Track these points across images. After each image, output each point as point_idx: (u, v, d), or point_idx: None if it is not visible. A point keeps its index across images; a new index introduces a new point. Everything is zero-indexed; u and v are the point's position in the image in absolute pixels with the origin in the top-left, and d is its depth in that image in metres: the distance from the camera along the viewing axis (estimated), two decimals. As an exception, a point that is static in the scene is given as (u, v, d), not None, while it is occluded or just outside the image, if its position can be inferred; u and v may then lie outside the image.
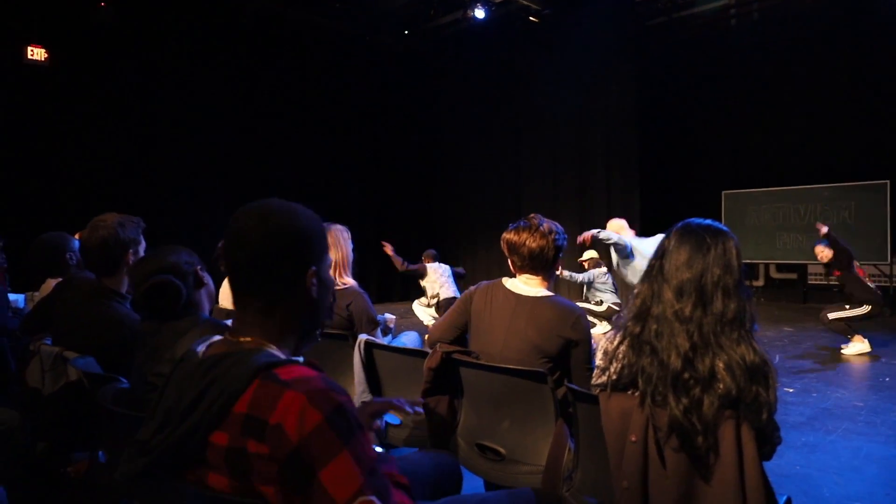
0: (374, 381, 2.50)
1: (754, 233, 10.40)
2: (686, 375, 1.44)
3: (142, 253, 2.47)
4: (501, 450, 2.02)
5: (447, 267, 7.56)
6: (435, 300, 7.30)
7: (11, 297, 4.36)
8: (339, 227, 3.03)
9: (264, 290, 1.09)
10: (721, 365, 1.44)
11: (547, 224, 2.15)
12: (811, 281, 10.09)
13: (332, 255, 2.95)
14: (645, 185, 9.64)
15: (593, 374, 1.66)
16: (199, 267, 1.87)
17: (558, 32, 10.00)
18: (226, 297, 3.85)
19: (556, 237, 2.13)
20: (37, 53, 7.43)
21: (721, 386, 1.42)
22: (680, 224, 1.64)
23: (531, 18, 10.20)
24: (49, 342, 2.44)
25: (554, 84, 10.18)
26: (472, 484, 2.20)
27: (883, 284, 9.42)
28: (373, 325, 2.81)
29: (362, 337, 2.49)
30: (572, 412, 1.79)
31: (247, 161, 9.49)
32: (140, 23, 8.22)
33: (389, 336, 3.19)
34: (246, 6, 9.17)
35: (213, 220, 8.92)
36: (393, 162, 11.59)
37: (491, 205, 11.24)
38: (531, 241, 2.10)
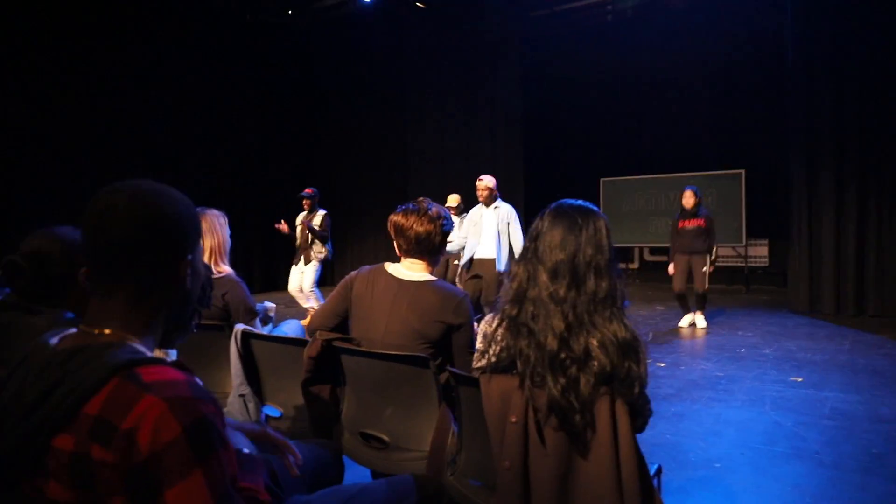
0: (252, 373, 2.38)
1: (629, 218, 11.04)
2: (563, 356, 1.46)
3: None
4: (385, 437, 1.98)
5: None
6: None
7: None
8: (214, 212, 2.85)
9: (131, 278, 0.97)
10: (595, 343, 1.47)
11: (435, 209, 2.13)
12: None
13: (209, 241, 2.78)
14: (529, 172, 9.93)
15: (474, 358, 1.65)
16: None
17: (445, 19, 10.03)
18: None
19: (444, 222, 2.11)
20: None
21: (596, 364, 1.45)
22: (552, 205, 1.66)
23: (418, 4, 10.14)
24: None
25: (439, 71, 10.22)
26: (356, 472, 2.15)
27: (738, 265, 10.35)
28: (251, 314, 2.67)
29: (238, 327, 2.36)
30: (455, 396, 1.78)
31: (125, 141, 8.76)
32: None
33: (270, 325, 3.05)
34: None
35: (76, 205, 8.21)
36: (276, 145, 11.17)
37: (377, 190, 11.15)
38: (418, 225, 2.06)
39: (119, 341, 0.94)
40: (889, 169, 7.14)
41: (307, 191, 7.29)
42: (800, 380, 4.58)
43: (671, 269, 6.84)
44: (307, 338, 2.25)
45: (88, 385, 0.86)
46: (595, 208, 1.63)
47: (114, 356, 0.89)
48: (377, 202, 11.03)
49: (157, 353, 1.53)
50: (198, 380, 0.94)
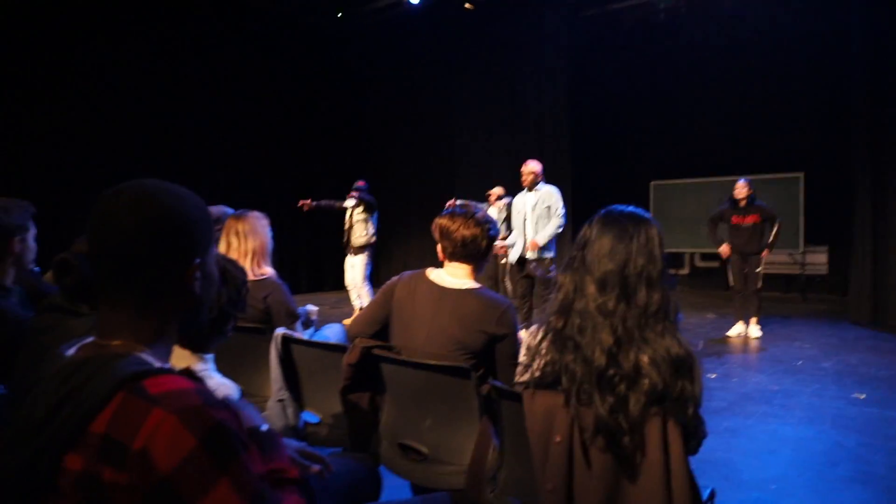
0: (292, 379, 2.36)
1: (680, 223, 10.72)
2: (611, 372, 1.38)
3: (30, 241, 2.23)
4: (424, 449, 1.93)
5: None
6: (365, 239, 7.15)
7: None
8: (256, 213, 2.86)
9: (138, 285, 0.92)
10: (646, 359, 1.38)
11: (482, 213, 2.08)
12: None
13: (251, 243, 2.78)
14: (576, 175, 9.76)
15: (517, 372, 1.58)
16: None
17: (493, 20, 9.95)
18: None
19: (490, 227, 2.06)
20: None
21: (646, 382, 1.36)
22: (602, 212, 1.58)
23: (466, 5, 10.09)
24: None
25: (487, 72, 10.14)
26: (393, 484, 2.10)
27: (794, 272, 9.93)
28: (292, 318, 2.66)
29: (279, 331, 2.34)
30: (497, 410, 1.71)
31: (175, 147, 8.99)
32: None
33: (312, 329, 3.03)
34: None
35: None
36: (324, 148, 11.29)
37: (423, 193, 11.13)
38: (465, 229, 2.01)
39: (126, 352, 0.90)
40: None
41: (359, 183, 7.43)
42: (863, 397, 4.33)
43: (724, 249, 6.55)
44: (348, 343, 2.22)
45: (93, 401, 0.82)
46: (647, 215, 1.53)
47: (118, 369, 0.85)
48: (422, 206, 11.01)
49: (194, 360, 1.52)
50: (208, 388, 0.89)
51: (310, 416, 2.32)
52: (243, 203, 3.67)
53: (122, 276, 0.92)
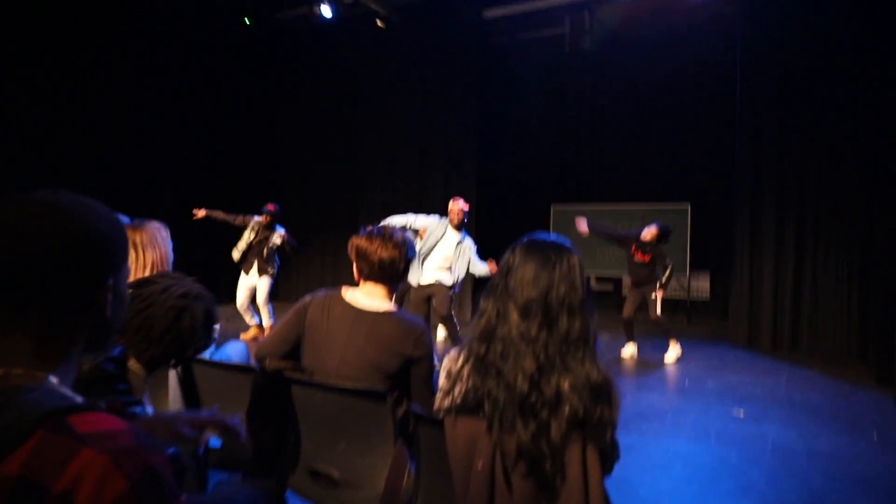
0: (192, 401, 2.21)
1: (578, 246, 11.11)
2: (533, 398, 1.39)
3: None
4: (336, 474, 1.86)
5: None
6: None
7: None
8: (155, 224, 2.67)
9: (41, 308, 0.82)
10: (567, 386, 1.41)
11: (400, 234, 2.04)
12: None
13: (150, 255, 2.59)
14: (481, 195, 9.96)
15: (436, 397, 1.56)
16: None
17: (404, 40, 10.01)
18: None
19: (408, 250, 2.02)
20: None
21: (567, 408, 1.39)
22: (524, 239, 1.60)
23: (378, 23, 10.09)
24: None
25: (397, 91, 10.18)
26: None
27: (681, 297, 10.61)
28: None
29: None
30: (413, 433, 1.68)
31: (75, 145, 8.31)
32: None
33: (213, 347, 2.87)
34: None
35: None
36: (228, 157, 10.84)
37: (327, 208, 10.98)
38: (383, 251, 1.96)
39: (35, 383, 0.80)
40: (826, 210, 7.45)
41: (270, 207, 7.24)
42: (742, 414, 4.66)
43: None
44: (254, 363, 2.11)
45: (6, 439, 0.72)
46: (568, 244, 1.57)
47: (36, 403, 0.75)
48: (326, 224, 10.88)
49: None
50: (139, 428, 0.81)
51: (212, 441, 2.18)
52: (137, 211, 3.44)
53: (21, 298, 0.82)
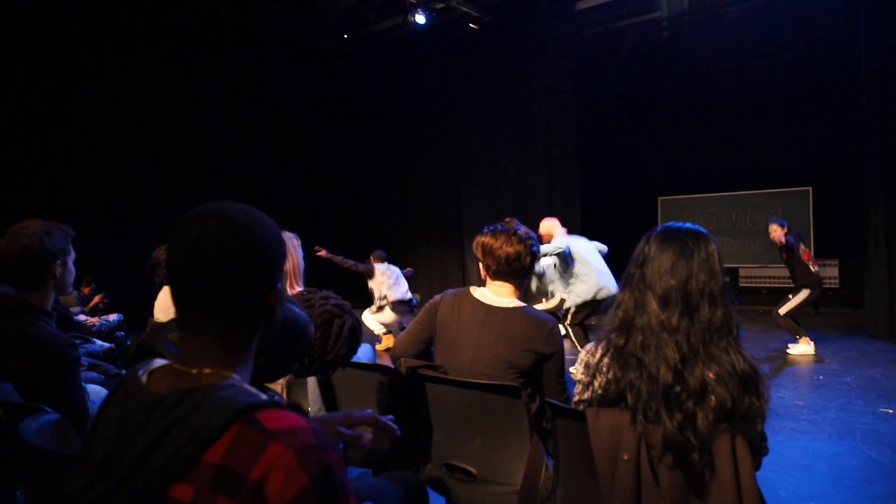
0: (329, 400, 2.34)
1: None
2: (677, 389, 1.37)
3: (70, 265, 2.22)
4: (472, 469, 1.91)
5: (396, 268, 7.38)
6: (383, 302, 7.10)
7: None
8: (288, 234, 2.85)
9: (223, 311, 0.92)
10: (712, 376, 1.37)
11: (524, 229, 2.05)
12: (742, 283, 10.48)
13: (286, 264, 2.77)
14: (584, 192, 9.78)
15: (576, 390, 1.57)
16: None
17: (498, 40, 10.03)
18: (162, 310, 3.58)
19: (533, 243, 2.03)
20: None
21: (713, 398, 1.35)
22: (658, 229, 1.57)
23: (471, 25, 10.19)
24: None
25: (493, 91, 10.20)
26: (437, 499, 2.07)
27: (808, 286, 9.89)
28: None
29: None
30: (550, 428, 1.69)
31: (177, 169, 9.06)
32: (69, 18, 7.70)
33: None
34: (182, 4, 8.76)
35: (143, 229, 8.51)
36: (331, 168, 11.34)
37: (430, 210, 11.16)
38: (508, 246, 1.99)
39: (223, 381, 0.89)
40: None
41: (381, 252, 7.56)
42: (891, 412, 4.29)
43: None
44: (380, 363, 2.20)
45: (209, 432, 0.81)
46: (704, 231, 1.53)
47: (231, 400, 0.84)
48: (429, 230, 11.06)
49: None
50: (318, 425, 0.88)
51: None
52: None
53: (211, 305, 0.91)
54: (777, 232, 6.45)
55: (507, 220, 2.08)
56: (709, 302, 1.43)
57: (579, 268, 5.44)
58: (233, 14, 9.39)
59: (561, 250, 5.37)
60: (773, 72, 9.89)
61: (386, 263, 7.32)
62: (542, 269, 5.97)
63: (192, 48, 9.14)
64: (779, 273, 9.87)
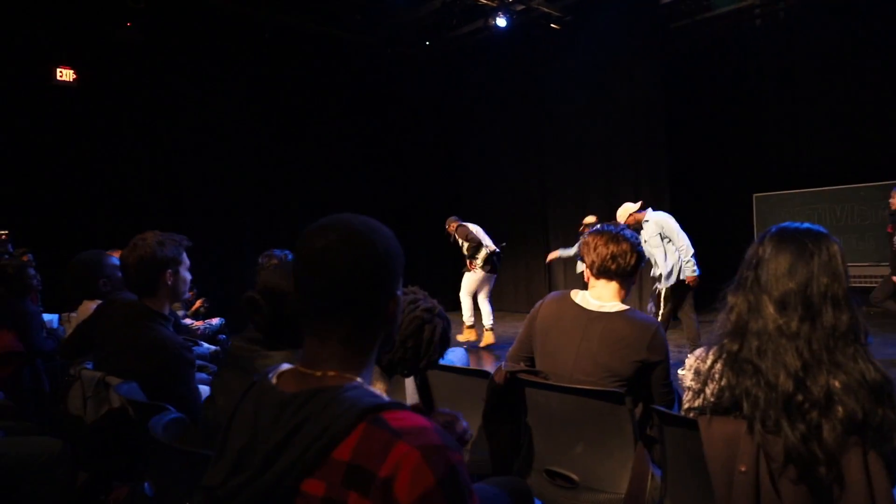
0: (428, 404, 2.37)
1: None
2: (799, 398, 1.30)
3: (183, 273, 2.38)
4: (574, 476, 1.88)
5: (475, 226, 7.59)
6: (481, 254, 7.22)
7: (45, 317, 4.33)
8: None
9: (347, 318, 0.97)
10: (838, 385, 1.29)
11: (629, 231, 2.04)
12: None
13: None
14: (674, 189, 9.43)
15: (686, 397, 1.52)
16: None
17: (581, 38, 9.87)
18: None
19: (638, 245, 2.01)
20: (65, 75, 7.47)
21: (841, 409, 1.27)
22: (773, 229, 1.50)
23: (552, 25, 10.09)
24: (90, 366, 2.35)
25: (578, 89, 10.04)
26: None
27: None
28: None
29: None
30: (657, 436, 1.65)
31: (273, 176, 9.49)
32: (164, 42, 8.26)
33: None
34: (267, 22, 9.18)
35: (241, 235, 8.96)
36: (416, 172, 11.51)
37: (516, 211, 11.08)
38: (613, 244, 1.98)
39: (348, 383, 0.93)
40: None
41: (449, 219, 7.88)
42: None
43: None
44: (475, 367, 2.21)
45: (338, 429, 0.85)
46: (825, 231, 1.45)
47: (357, 400, 0.88)
48: (515, 230, 11.00)
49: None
50: (439, 426, 0.90)
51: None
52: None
53: (336, 312, 0.96)
54: None
55: (613, 220, 2.06)
56: (832, 306, 1.35)
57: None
58: (314, 29, 9.72)
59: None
60: (877, 55, 9.18)
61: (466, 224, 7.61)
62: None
63: (277, 66, 9.55)
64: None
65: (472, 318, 7.47)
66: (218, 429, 1.56)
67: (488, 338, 7.25)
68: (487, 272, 7.26)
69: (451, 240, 7.68)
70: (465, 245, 7.36)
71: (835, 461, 1.26)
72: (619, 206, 8.33)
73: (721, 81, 10.79)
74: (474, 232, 7.38)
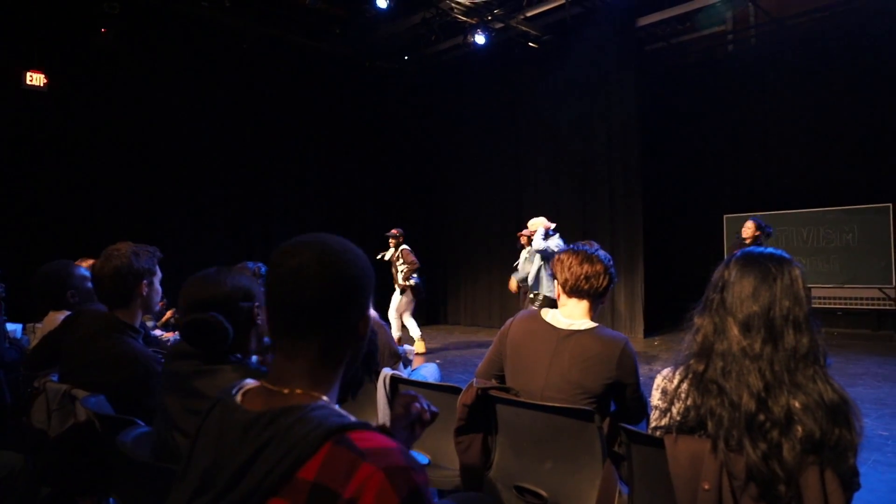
0: (399, 418, 2.37)
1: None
2: (761, 417, 1.33)
3: (157, 285, 2.35)
4: (543, 492, 1.89)
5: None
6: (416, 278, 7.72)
7: (9, 326, 4.22)
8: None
9: (318, 337, 0.97)
10: (798, 405, 1.33)
11: (603, 252, 2.08)
12: (816, 304, 10.02)
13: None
14: (647, 208, 9.60)
15: (653, 416, 1.55)
16: (256, 304, 1.65)
17: (558, 58, 10.03)
18: None
19: (611, 268, 2.05)
20: (35, 79, 7.36)
21: (800, 429, 1.31)
22: (738, 253, 1.55)
23: (531, 44, 10.24)
24: (55, 379, 2.30)
25: (554, 108, 10.20)
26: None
27: (887, 308, 9.38)
28: (395, 358, 2.70)
29: (386, 371, 2.37)
30: (624, 454, 1.67)
31: (247, 186, 9.42)
32: (140, 49, 8.18)
33: (408, 369, 3.06)
34: (246, 32, 9.16)
35: (215, 245, 8.86)
36: (393, 188, 11.53)
37: (492, 229, 11.16)
38: (587, 264, 2.01)
39: (314, 402, 0.93)
40: None
41: (394, 231, 7.98)
42: None
43: None
44: (448, 384, 2.23)
45: (303, 449, 0.84)
46: (788, 256, 1.49)
47: (323, 419, 0.88)
48: (489, 244, 11.10)
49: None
50: (404, 447, 0.91)
51: (419, 457, 2.32)
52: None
53: (307, 330, 0.96)
54: (751, 230, 6.65)
55: (588, 241, 2.10)
56: (794, 329, 1.39)
57: None
58: (293, 39, 9.72)
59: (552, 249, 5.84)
60: (846, 83, 9.50)
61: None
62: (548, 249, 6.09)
63: (254, 76, 9.52)
64: (854, 294, 9.42)
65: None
66: (167, 449, 1.53)
67: (421, 346, 7.92)
68: (414, 296, 7.84)
69: (391, 253, 7.93)
70: (405, 267, 7.71)
71: (794, 479, 1.29)
72: (594, 223, 8.53)
73: (695, 104, 11.04)
74: (413, 257, 7.80)
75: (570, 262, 2.03)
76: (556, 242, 6.03)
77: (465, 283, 11.62)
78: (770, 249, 1.51)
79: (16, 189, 7.18)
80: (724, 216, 10.93)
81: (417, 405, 1.37)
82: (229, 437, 0.92)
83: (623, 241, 9.47)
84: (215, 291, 1.60)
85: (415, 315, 8.10)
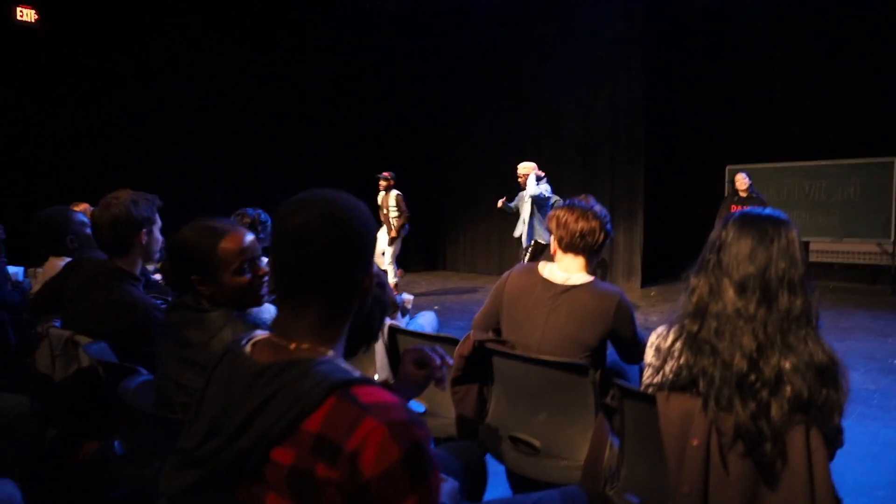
0: (397, 368, 2.42)
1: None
2: (752, 378, 1.36)
3: (156, 233, 2.35)
4: (536, 443, 1.95)
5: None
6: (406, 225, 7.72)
7: (10, 269, 4.24)
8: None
9: (324, 293, 0.98)
10: (788, 366, 1.36)
11: (599, 207, 2.07)
12: (814, 258, 10.05)
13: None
14: (649, 159, 9.52)
15: (646, 373, 1.58)
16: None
17: (563, 5, 9.76)
18: None
19: (607, 223, 2.04)
20: (27, 14, 7.15)
21: (789, 389, 1.34)
22: (736, 214, 1.55)
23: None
24: (58, 325, 2.34)
25: (557, 55, 9.96)
26: (493, 469, 2.12)
27: (885, 263, 9.42)
28: (393, 307, 2.72)
29: (385, 321, 2.39)
30: (618, 408, 1.71)
31: (246, 132, 9.28)
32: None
33: (407, 317, 3.10)
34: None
35: (213, 192, 8.82)
36: (393, 130, 11.36)
37: (492, 176, 11.04)
38: (583, 221, 2.01)
39: (320, 357, 0.95)
40: None
41: (385, 173, 7.84)
42: (973, 399, 4.10)
43: None
44: (448, 335, 2.26)
45: (309, 401, 0.87)
46: (785, 217, 1.49)
47: (328, 374, 0.90)
48: (490, 190, 11.00)
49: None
50: (405, 402, 0.93)
51: (416, 405, 2.37)
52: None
53: (312, 287, 0.98)
54: (745, 182, 6.92)
55: (584, 196, 2.09)
56: (788, 290, 1.40)
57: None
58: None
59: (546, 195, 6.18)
60: (852, 35, 9.25)
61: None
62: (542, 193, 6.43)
63: (257, 15, 9.26)
64: (852, 248, 9.43)
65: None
66: (167, 400, 1.58)
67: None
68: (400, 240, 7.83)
69: (381, 196, 7.79)
70: (396, 213, 7.62)
71: (780, 438, 1.33)
72: (596, 173, 8.49)
73: (699, 55, 10.77)
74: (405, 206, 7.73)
75: (567, 219, 2.03)
76: (545, 187, 6.33)
77: (465, 229, 11.62)
78: (768, 210, 1.51)
79: (7, 129, 7.08)
80: (727, 167, 10.84)
81: (435, 360, 1.41)
82: (238, 387, 0.95)
83: (623, 189, 9.44)
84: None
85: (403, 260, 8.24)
